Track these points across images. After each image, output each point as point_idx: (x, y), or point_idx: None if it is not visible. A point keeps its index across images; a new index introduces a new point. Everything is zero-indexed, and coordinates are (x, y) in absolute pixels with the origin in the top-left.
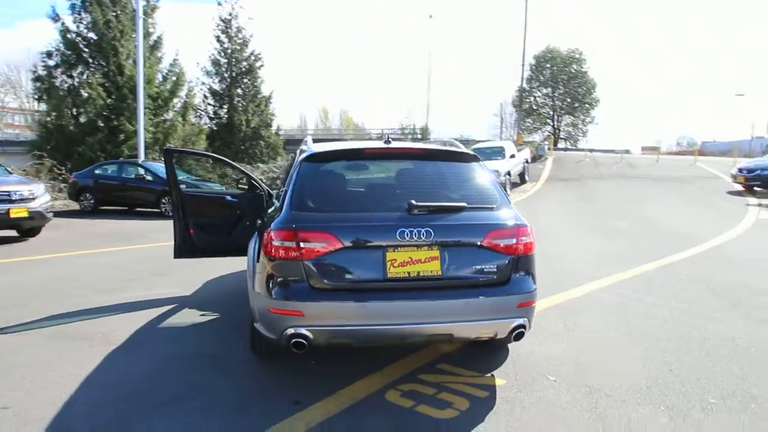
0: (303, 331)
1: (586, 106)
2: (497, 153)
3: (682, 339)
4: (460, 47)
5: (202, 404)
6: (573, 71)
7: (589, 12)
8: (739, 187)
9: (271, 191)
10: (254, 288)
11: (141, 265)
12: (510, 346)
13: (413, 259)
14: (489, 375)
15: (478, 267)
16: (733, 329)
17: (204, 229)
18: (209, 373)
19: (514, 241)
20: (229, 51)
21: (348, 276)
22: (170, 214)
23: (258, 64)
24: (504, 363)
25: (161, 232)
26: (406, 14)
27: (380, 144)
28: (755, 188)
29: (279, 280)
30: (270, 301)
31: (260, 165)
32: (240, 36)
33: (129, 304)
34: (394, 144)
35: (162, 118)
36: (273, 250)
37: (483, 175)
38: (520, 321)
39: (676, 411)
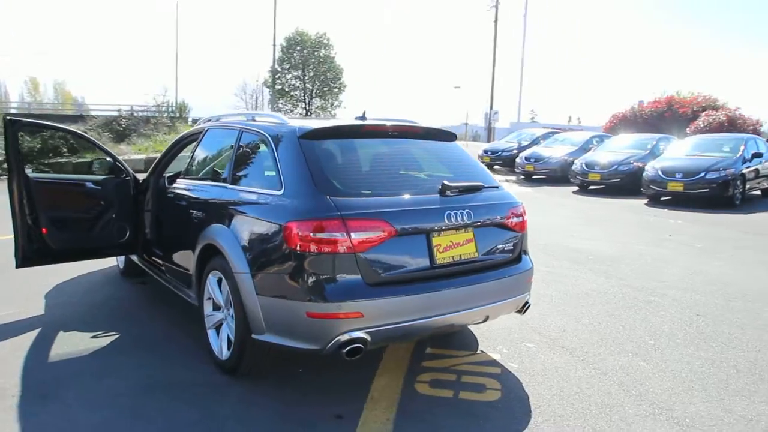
0: (361, 334)
1: (335, 90)
2: None
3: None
4: (212, 26)
5: None
6: (322, 56)
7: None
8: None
9: (137, 177)
10: (259, 292)
11: None
12: None
13: (454, 242)
14: (480, 351)
15: (501, 246)
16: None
17: (60, 226)
18: (207, 405)
19: (521, 219)
20: None
21: (400, 267)
22: None
23: None
24: (472, 339)
25: None
26: None
27: (378, 121)
28: (495, 166)
29: (323, 278)
30: (310, 305)
31: None
32: None
33: None
34: (387, 122)
35: None
36: (312, 245)
37: (469, 155)
38: (528, 296)
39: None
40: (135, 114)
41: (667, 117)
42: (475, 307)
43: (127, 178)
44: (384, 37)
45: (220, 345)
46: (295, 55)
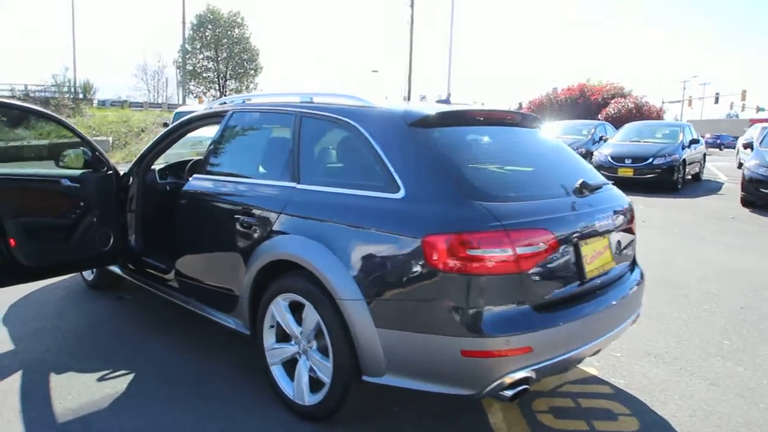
0: (528, 373)
1: (251, 72)
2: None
3: None
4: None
5: None
6: (236, 36)
7: None
8: None
9: (118, 171)
10: (380, 324)
11: None
12: None
13: (596, 251)
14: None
15: (626, 253)
16: None
17: (32, 236)
18: None
19: (634, 220)
20: None
21: (556, 285)
22: None
23: None
24: None
25: None
26: None
27: (482, 107)
28: None
29: (485, 306)
30: (466, 341)
31: None
32: None
33: None
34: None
35: None
36: (468, 264)
37: (561, 143)
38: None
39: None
40: (31, 95)
41: (580, 103)
42: (619, 326)
43: (110, 172)
44: (300, 18)
45: (298, 387)
46: (207, 33)
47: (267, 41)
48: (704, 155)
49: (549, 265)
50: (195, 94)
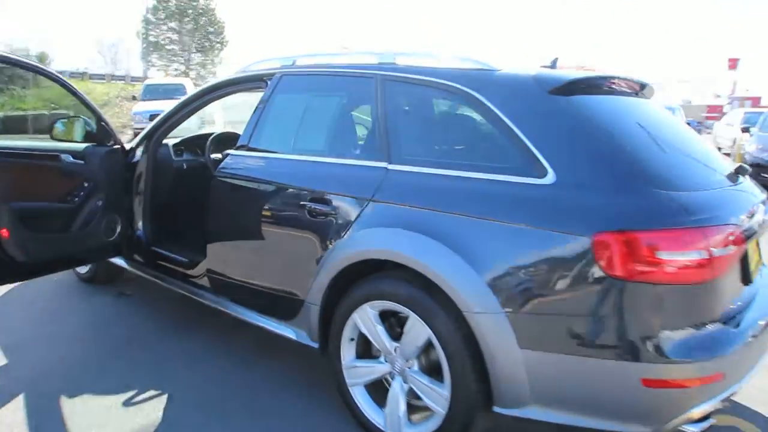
0: (717, 404)
1: (217, 45)
2: (178, 91)
3: None
4: None
5: None
6: (201, 6)
7: None
8: None
9: (124, 145)
10: (525, 344)
11: None
12: None
13: (753, 250)
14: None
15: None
16: None
17: (28, 225)
18: None
19: None
20: None
21: (735, 292)
22: None
23: None
24: None
25: None
26: None
27: (610, 72)
28: None
29: (676, 324)
30: (648, 367)
31: None
32: None
33: None
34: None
35: None
36: (656, 270)
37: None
38: None
39: None
40: None
41: None
42: None
43: (116, 147)
44: None
45: (393, 416)
46: (171, 3)
47: (233, 15)
48: None
49: (732, 269)
50: (158, 67)
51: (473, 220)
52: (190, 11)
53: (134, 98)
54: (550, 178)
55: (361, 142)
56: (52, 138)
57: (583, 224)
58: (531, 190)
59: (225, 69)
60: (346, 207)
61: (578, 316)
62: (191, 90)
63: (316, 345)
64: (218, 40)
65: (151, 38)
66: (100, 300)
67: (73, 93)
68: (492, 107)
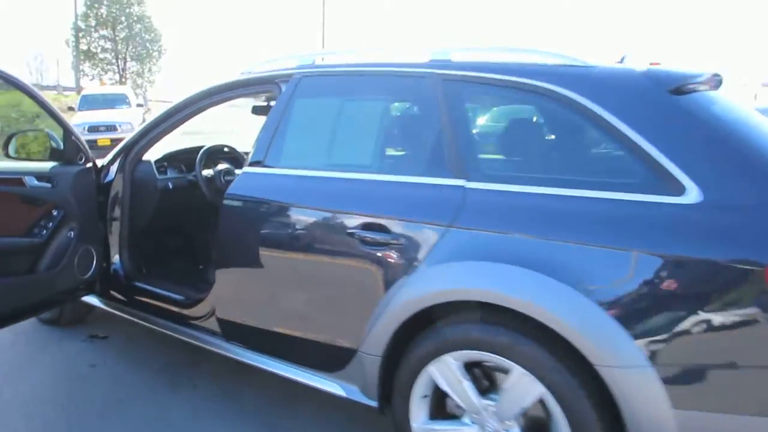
0: None
1: (154, 54)
2: (120, 101)
3: None
4: None
5: None
6: (135, 14)
7: None
8: None
9: (97, 163)
10: (681, 404)
11: None
12: None
13: None
14: None
15: None
16: None
17: None
18: None
19: None
20: None
21: None
22: None
23: None
24: None
25: None
26: None
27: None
28: None
29: None
30: None
31: None
32: None
33: None
34: None
35: None
36: None
37: None
38: None
39: None
40: None
41: None
42: None
43: (89, 165)
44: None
45: None
46: (102, 10)
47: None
48: None
49: None
50: (91, 76)
51: (598, 250)
52: (124, 18)
53: (71, 109)
54: (695, 196)
55: (421, 155)
56: (6, 156)
57: (754, 252)
58: (669, 211)
59: (165, 78)
60: (414, 235)
61: (754, 367)
62: (133, 99)
63: (374, 403)
64: (156, 48)
65: (83, 46)
66: (68, 347)
67: (34, 97)
68: (598, 111)
